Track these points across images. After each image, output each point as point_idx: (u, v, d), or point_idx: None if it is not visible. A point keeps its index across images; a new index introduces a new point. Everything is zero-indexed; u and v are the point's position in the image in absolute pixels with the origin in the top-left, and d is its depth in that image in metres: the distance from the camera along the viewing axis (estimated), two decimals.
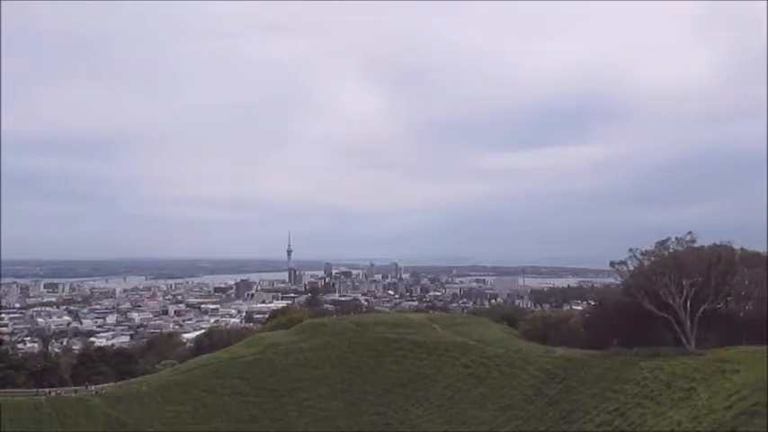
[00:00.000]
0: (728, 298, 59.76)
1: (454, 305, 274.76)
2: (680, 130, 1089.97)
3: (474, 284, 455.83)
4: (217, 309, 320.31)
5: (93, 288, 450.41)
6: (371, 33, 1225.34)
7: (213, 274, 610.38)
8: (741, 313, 59.16)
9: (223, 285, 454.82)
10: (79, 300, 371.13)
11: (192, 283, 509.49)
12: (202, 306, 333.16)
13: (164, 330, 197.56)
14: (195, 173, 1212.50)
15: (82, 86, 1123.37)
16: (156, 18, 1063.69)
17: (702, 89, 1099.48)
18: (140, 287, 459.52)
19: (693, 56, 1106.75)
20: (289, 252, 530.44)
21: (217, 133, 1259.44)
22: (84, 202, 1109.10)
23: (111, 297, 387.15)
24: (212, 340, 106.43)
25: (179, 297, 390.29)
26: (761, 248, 60.53)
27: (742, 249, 61.29)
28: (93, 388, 72.42)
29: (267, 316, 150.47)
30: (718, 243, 62.07)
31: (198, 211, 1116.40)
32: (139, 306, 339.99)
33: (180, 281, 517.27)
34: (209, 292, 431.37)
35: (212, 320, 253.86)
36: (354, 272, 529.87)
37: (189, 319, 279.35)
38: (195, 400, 70.03)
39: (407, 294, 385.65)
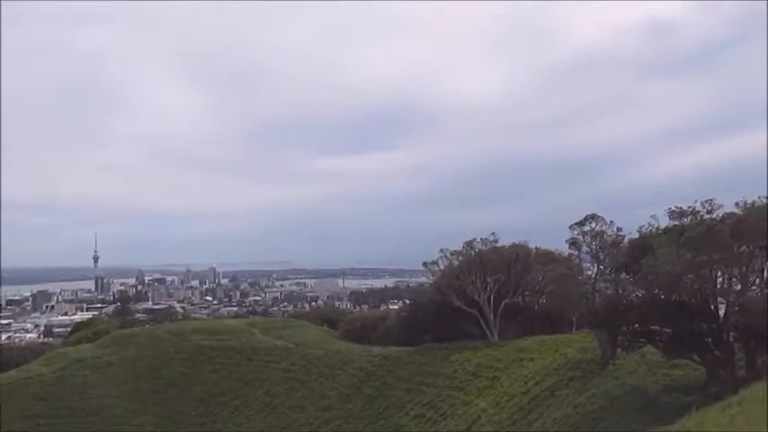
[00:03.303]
0: (526, 293, 65.57)
1: (275, 309, 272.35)
2: (481, 139, 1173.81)
3: (294, 287, 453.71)
4: (10, 323, 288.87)
5: None
6: (192, 30, 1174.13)
7: (5, 285, 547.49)
8: (536, 306, 65.26)
9: (17, 297, 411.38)
10: None
11: None
12: None
13: None
14: None
15: None
16: None
17: (501, 101, 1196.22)
18: None
19: (494, 68, 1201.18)
20: (95, 259, 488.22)
21: (11, 130, 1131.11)
22: None
23: None
24: (4, 359, 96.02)
25: None
26: (552, 247, 66.72)
27: (536, 248, 67.29)
28: None
29: (70, 329, 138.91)
30: (516, 243, 67.71)
31: None
32: None
33: None
34: (1, 305, 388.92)
35: (4, 337, 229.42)
36: (169, 278, 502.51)
37: None
38: None
39: (226, 300, 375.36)
